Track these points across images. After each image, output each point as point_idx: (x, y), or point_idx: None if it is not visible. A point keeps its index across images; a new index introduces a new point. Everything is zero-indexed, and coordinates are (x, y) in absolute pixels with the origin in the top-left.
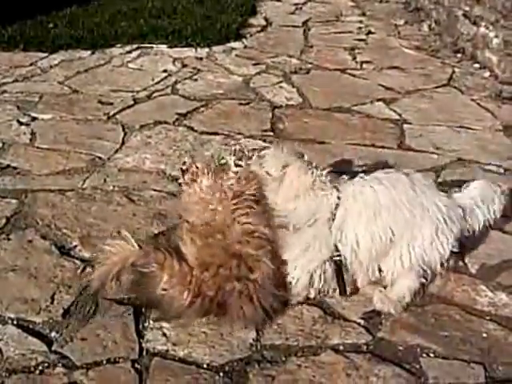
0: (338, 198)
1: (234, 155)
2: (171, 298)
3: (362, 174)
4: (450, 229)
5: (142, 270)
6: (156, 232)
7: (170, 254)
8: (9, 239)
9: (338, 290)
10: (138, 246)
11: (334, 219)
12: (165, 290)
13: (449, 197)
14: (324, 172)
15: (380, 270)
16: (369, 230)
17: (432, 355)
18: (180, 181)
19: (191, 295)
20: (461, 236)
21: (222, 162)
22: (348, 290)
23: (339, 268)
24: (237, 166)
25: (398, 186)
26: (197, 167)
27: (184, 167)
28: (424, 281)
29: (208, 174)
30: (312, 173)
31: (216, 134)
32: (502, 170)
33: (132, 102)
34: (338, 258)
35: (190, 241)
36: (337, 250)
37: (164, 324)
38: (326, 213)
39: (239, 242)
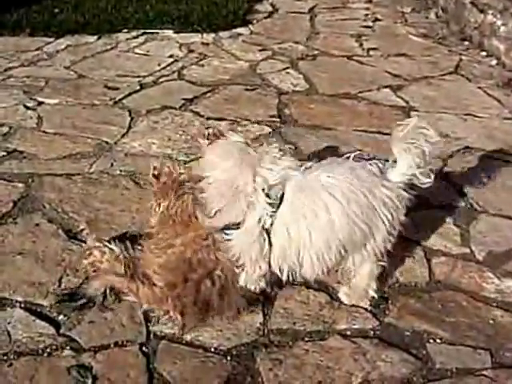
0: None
1: (208, 139)
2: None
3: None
4: (393, 217)
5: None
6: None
7: (142, 281)
8: (16, 223)
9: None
10: (124, 270)
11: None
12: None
13: (392, 186)
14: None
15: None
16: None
17: (439, 341)
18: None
19: (177, 310)
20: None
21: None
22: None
23: None
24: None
25: (348, 178)
26: (168, 167)
27: (156, 172)
28: (384, 264)
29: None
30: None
31: (222, 119)
32: (508, 158)
33: (138, 87)
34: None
35: (152, 260)
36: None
37: None
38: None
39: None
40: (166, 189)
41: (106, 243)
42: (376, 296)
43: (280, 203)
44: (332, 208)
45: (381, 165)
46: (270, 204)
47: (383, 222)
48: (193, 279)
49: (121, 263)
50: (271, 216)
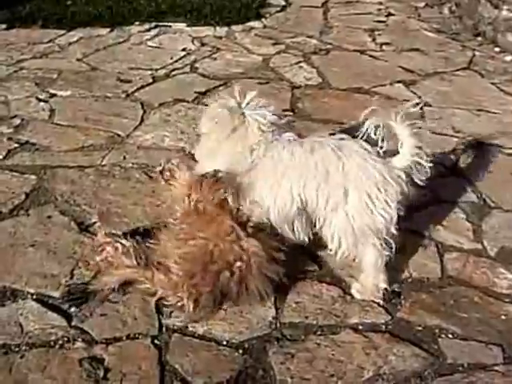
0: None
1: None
2: (175, 307)
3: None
4: (386, 193)
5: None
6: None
7: (158, 268)
8: (28, 215)
9: None
10: (136, 262)
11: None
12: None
13: (383, 162)
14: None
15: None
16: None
17: (450, 336)
18: (160, 180)
19: (191, 298)
20: (406, 198)
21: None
22: None
23: None
24: None
25: (319, 151)
26: (172, 164)
27: (160, 168)
28: (388, 253)
29: (184, 168)
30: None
31: None
32: None
33: (151, 80)
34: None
35: (171, 251)
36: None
37: None
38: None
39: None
40: (198, 182)
41: (118, 238)
42: (388, 287)
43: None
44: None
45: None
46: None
47: (356, 187)
48: (212, 270)
49: (131, 256)
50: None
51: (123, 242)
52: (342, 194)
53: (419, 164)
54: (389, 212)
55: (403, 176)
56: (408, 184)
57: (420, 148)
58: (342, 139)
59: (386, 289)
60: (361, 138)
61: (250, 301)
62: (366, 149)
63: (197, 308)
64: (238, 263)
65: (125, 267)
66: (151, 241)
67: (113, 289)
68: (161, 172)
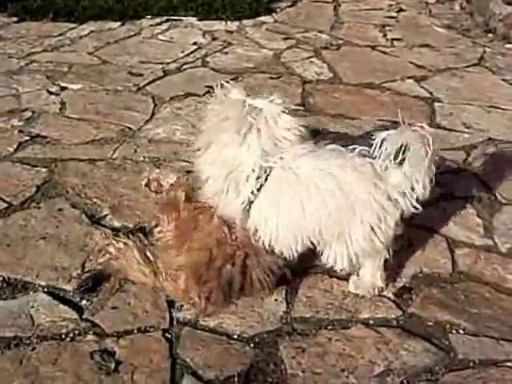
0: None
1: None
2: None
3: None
4: (387, 222)
5: None
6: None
7: (166, 278)
8: (39, 208)
9: None
10: (150, 271)
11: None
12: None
13: (383, 180)
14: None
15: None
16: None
17: (461, 332)
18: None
19: (203, 297)
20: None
21: None
22: None
23: None
24: None
25: (333, 174)
26: (156, 173)
27: (144, 182)
28: (387, 256)
29: (169, 174)
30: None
31: None
32: None
33: (162, 74)
34: None
35: (172, 260)
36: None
37: None
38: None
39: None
40: (170, 206)
41: (119, 238)
42: (384, 286)
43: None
44: (304, 202)
45: (381, 162)
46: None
47: (362, 222)
48: (214, 267)
49: (145, 263)
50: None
51: (126, 241)
52: (346, 224)
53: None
54: (388, 237)
55: (404, 197)
56: (409, 202)
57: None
58: (351, 154)
59: (382, 288)
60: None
61: (254, 292)
62: (374, 170)
63: (208, 304)
64: (238, 252)
65: (138, 271)
66: (151, 240)
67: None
68: (146, 185)
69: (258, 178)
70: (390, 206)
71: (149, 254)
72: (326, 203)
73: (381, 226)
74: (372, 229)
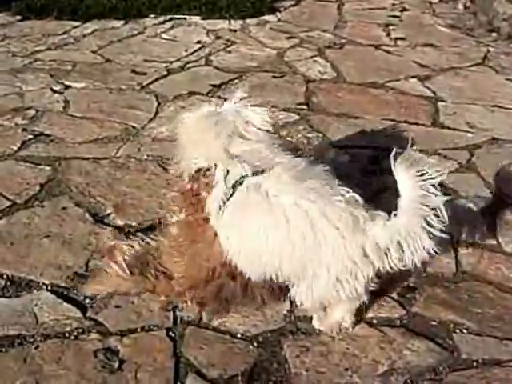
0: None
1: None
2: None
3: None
4: (357, 279)
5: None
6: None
7: (158, 277)
8: (43, 206)
9: None
10: (130, 271)
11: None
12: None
13: (363, 232)
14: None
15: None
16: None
17: (465, 331)
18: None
19: (195, 303)
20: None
21: None
22: None
23: None
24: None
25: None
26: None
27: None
28: (362, 300)
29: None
30: None
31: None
32: None
33: (165, 73)
34: None
35: (172, 262)
36: None
37: None
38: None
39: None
40: (188, 195)
41: (123, 242)
42: (350, 329)
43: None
44: (269, 231)
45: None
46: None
47: (328, 271)
48: (214, 283)
49: (124, 269)
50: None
51: (130, 243)
52: (310, 267)
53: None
54: (355, 291)
55: (384, 255)
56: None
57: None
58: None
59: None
60: None
61: (253, 305)
62: (355, 219)
63: (203, 311)
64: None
65: (119, 277)
66: (154, 237)
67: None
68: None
69: (233, 185)
70: (363, 261)
71: (142, 262)
72: (292, 240)
73: (349, 280)
74: (338, 280)
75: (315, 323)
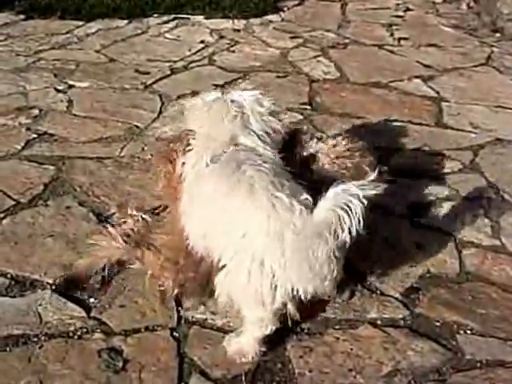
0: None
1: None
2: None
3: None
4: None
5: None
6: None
7: (149, 248)
8: (47, 205)
9: None
10: (124, 241)
11: None
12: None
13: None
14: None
15: None
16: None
17: (469, 332)
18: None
19: (176, 284)
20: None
21: None
22: None
23: None
24: None
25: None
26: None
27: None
28: (269, 328)
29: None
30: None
31: None
32: None
33: (169, 72)
34: None
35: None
36: None
37: None
38: None
39: None
40: (171, 155)
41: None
42: (250, 358)
43: None
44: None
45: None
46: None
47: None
48: (194, 258)
49: (116, 237)
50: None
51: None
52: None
53: None
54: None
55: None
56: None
57: None
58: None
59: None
60: None
61: None
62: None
63: (183, 294)
64: None
65: (112, 248)
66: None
67: (102, 269)
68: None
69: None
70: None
71: (137, 234)
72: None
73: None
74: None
75: (225, 342)
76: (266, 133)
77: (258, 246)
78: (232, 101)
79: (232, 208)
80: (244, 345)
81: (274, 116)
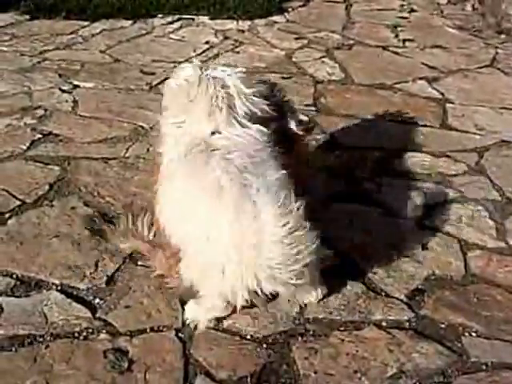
0: None
1: None
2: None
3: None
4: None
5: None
6: None
7: (161, 247)
8: (52, 206)
9: None
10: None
11: None
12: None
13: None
14: None
15: None
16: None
17: (474, 334)
18: None
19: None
20: None
21: None
22: None
23: None
24: None
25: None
26: None
27: None
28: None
29: None
30: None
31: None
32: None
33: None
34: None
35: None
36: None
37: None
38: None
39: None
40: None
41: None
42: (203, 327)
43: None
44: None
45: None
46: None
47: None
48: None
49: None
50: None
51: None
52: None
53: None
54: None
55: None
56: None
57: None
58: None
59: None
60: None
61: None
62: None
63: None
64: None
65: (140, 239)
66: None
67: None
68: None
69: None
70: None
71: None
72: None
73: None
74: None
75: (186, 308)
76: (253, 114)
77: (219, 250)
78: (214, 78)
79: (197, 210)
80: (200, 314)
81: (260, 96)
